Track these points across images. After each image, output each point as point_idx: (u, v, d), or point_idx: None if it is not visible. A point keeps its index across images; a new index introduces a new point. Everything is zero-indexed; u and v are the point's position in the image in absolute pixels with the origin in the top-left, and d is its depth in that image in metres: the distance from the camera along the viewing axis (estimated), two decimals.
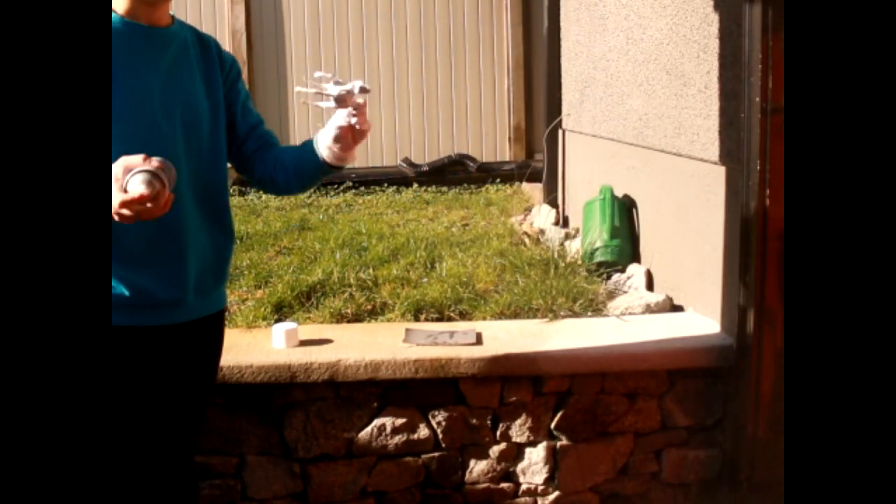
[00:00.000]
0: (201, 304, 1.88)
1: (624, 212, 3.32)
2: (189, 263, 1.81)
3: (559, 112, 4.27)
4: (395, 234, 3.85)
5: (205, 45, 1.89)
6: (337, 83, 1.77)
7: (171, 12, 1.86)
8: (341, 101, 1.77)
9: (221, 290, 1.97)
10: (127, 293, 1.73)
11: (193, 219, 1.81)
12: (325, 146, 1.86)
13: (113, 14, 1.71)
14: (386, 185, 5.56)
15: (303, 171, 1.95)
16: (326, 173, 1.94)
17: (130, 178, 1.46)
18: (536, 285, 2.94)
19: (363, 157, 5.94)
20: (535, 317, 2.78)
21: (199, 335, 1.91)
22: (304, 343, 2.50)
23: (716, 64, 2.58)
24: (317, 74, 1.78)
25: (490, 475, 2.53)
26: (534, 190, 4.88)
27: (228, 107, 1.93)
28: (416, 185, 5.53)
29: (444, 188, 5.50)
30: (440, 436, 2.50)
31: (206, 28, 5.25)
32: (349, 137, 1.83)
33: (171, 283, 1.79)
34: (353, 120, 1.79)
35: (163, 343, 1.81)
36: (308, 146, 1.92)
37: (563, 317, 2.77)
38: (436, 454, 2.51)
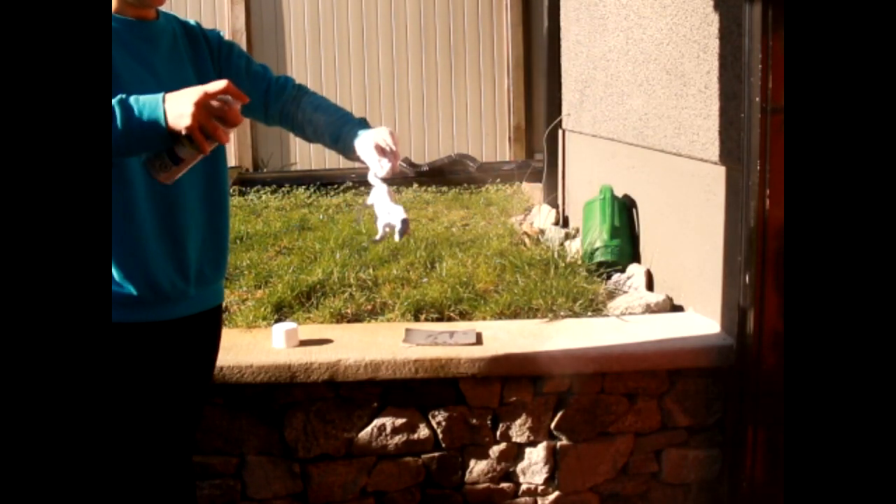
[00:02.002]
0: (201, 296, 1.88)
1: (624, 212, 3.32)
2: (189, 252, 1.81)
3: (559, 112, 4.27)
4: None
5: (190, 32, 1.90)
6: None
7: (163, 9, 1.86)
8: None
9: (220, 283, 1.98)
10: (131, 288, 1.73)
11: (195, 207, 1.82)
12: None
13: None
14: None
15: (333, 145, 2.02)
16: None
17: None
18: (536, 285, 2.94)
19: None
20: (535, 317, 2.78)
21: (198, 330, 1.92)
22: (304, 343, 2.50)
23: (716, 64, 2.58)
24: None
25: (490, 475, 2.53)
26: (534, 190, 4.88)
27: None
28: (416, 185, 5.53)
29: (444, 188, 5.50)
30: (440, 436, 2.50)
31: None
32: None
33: (174, 274, 1.79)
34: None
35: (163, 338, 1.82)
36: (349, 136, 1.95)
37: (563, 317, 2.77)
38: (436, 454, 2.51)
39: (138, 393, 1.80)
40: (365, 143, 1.90)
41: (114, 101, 1.48)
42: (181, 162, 1.55)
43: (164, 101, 1.48)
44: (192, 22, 1.94)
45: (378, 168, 1.87)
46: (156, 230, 1.75)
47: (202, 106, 1.46)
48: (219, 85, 1.49)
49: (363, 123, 1.98)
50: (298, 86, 2.09)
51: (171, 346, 1.84)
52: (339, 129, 1.99)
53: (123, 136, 1.48)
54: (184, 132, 1.47)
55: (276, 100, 2.03)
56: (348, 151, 1.97)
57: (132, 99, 1.50)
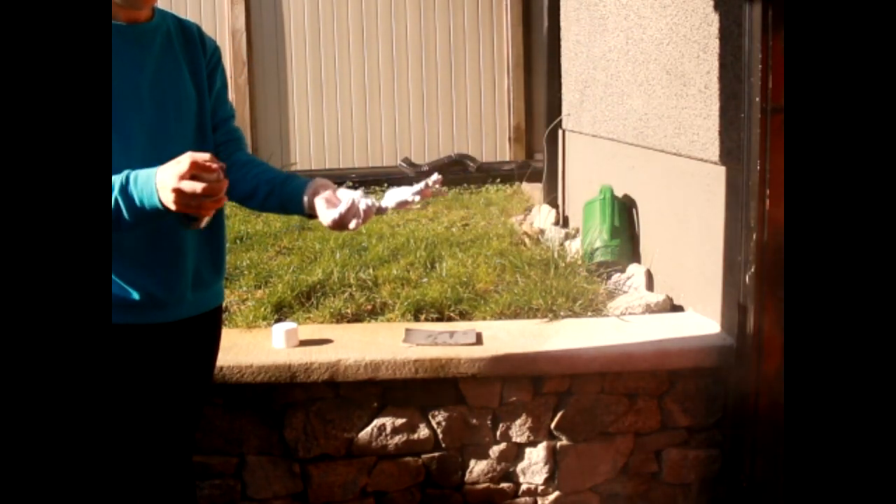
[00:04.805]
0: (200, 299, 1.88)
1: (624, 212, 3.32)
2: (187, 257, 1.81)
3: (559, 112, 4.27)
4: (395, 234, 3.85)
5: (187, 32, 1.87)
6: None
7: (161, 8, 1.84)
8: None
9: (219, 285, 1.97)
10: (129, 294, 1.73)
11: None
12: (313, 204, 1.82)
13: None
14: (386, 184, 5.55)
15: (274, 198, 1.88)
16: (296, 210, 1.88)
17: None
18: (536, 285, 2.94)
19: (363, 157, 5.94)
20: (535, 317, 2.78)
21: (197, 332, 1.91)
22: (304, 343, 2.50)
23: (716, 64, 2.58)
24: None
25: (490, 475, 2.53)
26: (534, 190, 4.87)
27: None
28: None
29: (444, 188, 5.48)
30: (440, 436, 2.50)
31: (205, 28, 5.24)
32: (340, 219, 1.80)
33: (171, 280, 1.79)
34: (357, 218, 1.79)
35: (161, 340, 1.82)
36: (298, 181, 1.85)
37: (563, 317, 2.77)
38: (436, 454, 2.51)
39: (138, 394, 1.80)
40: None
41: (115, 192, 1.54)
42: (199, 218, 1.61)
43: (156, 183, 1.52)
44: (190, 23, 1.92)
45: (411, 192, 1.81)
46: (148, 238, 1.74)
47: (178, 192, 1.49)
48: (185, 165, 1.49)
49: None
50: (244, 141, 2.02)
51: (170, 347, 1.84)
52: (292, 177, 1.89)
53: (133, 219, 1.56)
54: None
55: (221, 134, 1.93)
56: (297, 198, 1.84)
57: (131, 185, 1.54)
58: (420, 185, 1.81)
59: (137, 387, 1.80)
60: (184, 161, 1.49)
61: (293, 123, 5.89)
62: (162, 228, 1.75)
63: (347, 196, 1.78)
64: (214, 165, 1.51)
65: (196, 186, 1.48)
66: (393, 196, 1.83)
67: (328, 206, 1.79)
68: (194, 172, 1.48)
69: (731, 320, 2.50)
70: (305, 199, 1.82)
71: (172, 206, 1.50)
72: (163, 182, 1.51)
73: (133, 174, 1.55)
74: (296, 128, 5.89)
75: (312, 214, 1.83)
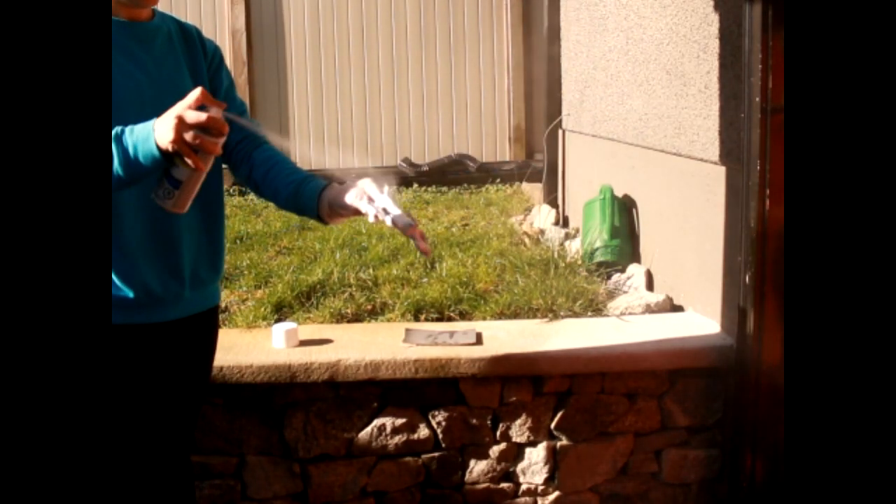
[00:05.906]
0: (196, 298, 1.88)
1: (624, 212, 3.32)
2: (183, 255, 1.81)
3: (559, 112, 4.27)
4: (395, 233, 3.85)
5: (187, 34, 1.87)
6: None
7: (163, 9, 1.85)
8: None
9: (216, 285, 1.97)
10: (124, 292, 1.73)
11: (189, 210, 1.80)
12: (328, 204, 1.84)
13: None
14: (386, 185, 5.55)
15: (291, 205, 1.92)
16: (314, 219, 1.92)
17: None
18: (536, 285, 2.94)
19: (363, 157, 5.94)
20: (535, 317, 2.78)
21: (194, 331, 1.91)
22: (304, 343, 2.50)
23: (716, 64, 2.58)
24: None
25: (490, 475, 2.53)
26: (534, 190, 4.88)
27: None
28: (416, 185, 5.53)
29: (444, 188, 5.50)
30: (440, 436, 2.50)
31: (206, 28, 5.25)
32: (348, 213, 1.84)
33: (168, 277, 1.79)
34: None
35: (158, 340, 1.81)
36: (309, 190, 1.87)
37: (563, 317, 2.77)
38: (436, 454, 2.51)
39: (136, 394, 1.80)
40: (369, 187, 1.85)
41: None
42: (181, 184, 1.59)
43: (154, 124, 1.52)
44: (190, 25, 1.92)
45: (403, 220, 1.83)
46: (147, 234, 1.74)
47: (181, 119, 1.48)
48: (194, 95, 1.51)
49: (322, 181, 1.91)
50: (263, 134, 2.02)
51: (167, 347, 1.84)
52: (305, 182, 1.90)
53: (124, 170, 1.53)
54: (171, 149, 1.51)
55: (236, 132, 1.89)
56: (310, 201, 1.87)
57: (126, 133, 1.53)
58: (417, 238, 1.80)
59: (136, 387, 1.80)
60: (193, 91, 1.51)
61: (293, 123, 5.89)
62: (157, 224, 1.75)
63: (369, 210, 1.81)
64: (221, 102, 1.53)
65: (200, 116, 1.48)
66: (401, 219, 1.83)
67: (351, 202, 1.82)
68: (203, 102, 1.50)
69: (731, 320, 2.50)
70: (319, 212, 1.86)
71: (171, 136, 1.48)
72: (162, 119, 1.51)
73: (129, 126, 1.55)
74: (296, 128, 5.89)
75: (329, 223, 1.90)
